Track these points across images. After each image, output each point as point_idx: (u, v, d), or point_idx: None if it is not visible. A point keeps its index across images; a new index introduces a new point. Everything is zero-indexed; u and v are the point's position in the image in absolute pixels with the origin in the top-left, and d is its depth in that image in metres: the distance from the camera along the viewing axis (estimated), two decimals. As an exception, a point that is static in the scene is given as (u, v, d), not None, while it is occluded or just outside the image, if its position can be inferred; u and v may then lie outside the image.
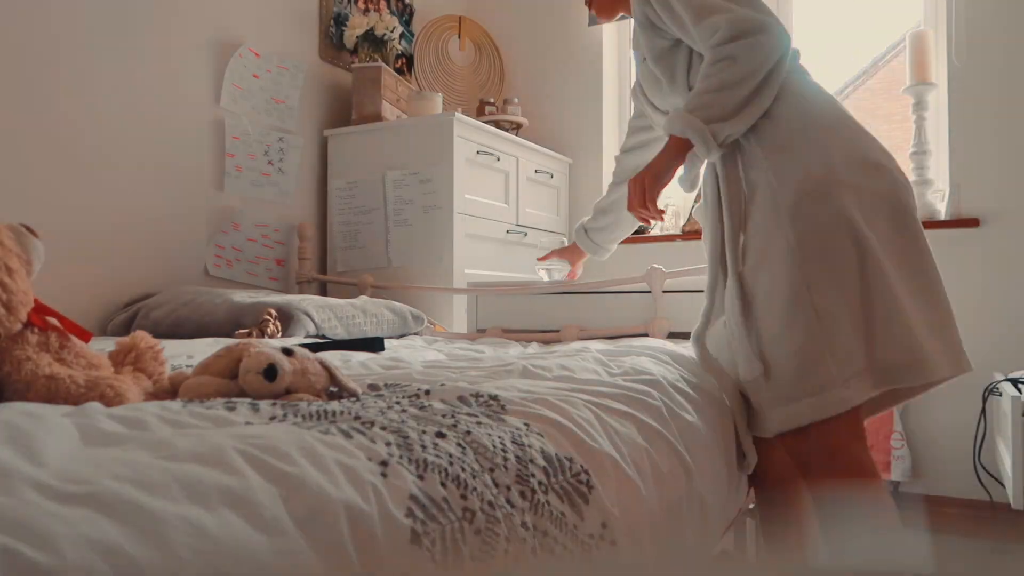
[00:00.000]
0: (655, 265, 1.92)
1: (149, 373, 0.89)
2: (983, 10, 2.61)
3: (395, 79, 2.85)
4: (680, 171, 1.47)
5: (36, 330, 0.76)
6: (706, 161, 1.43)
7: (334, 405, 0.76)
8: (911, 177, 2.55)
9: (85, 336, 0.81)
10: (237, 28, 2.53)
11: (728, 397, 1.31)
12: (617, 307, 1.98)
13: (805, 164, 1.29)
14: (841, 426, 1.23)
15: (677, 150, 1.41)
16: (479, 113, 3.07)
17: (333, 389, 0.88)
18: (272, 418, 0.69)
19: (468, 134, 2.65)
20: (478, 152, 2.68)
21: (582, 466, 0.77)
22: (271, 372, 0.79)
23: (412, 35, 3.25)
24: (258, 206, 2.62)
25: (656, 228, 3.34)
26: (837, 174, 1.27)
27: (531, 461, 0.72)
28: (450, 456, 0.65)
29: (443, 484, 0.61)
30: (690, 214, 3.11)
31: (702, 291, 1.91)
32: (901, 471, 2.53)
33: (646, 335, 1.87)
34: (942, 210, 2.65)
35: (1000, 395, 2.02)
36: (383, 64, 2.79)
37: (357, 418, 0.70)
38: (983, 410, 2.50)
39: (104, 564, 0.37)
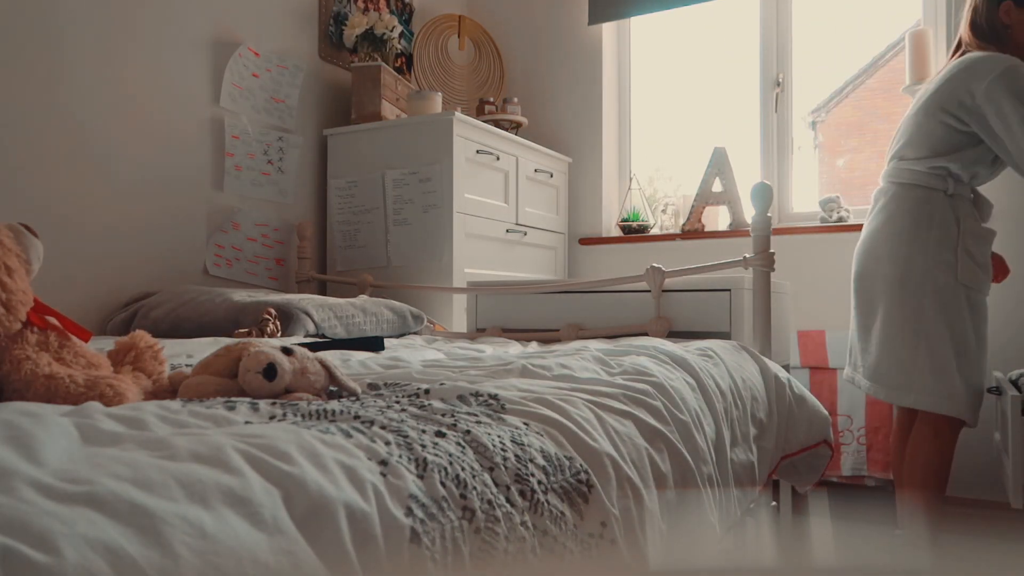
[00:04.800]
0: (654, 264, 1.92)
1: (148, 372, 0.89)
2: (983, 9, 2.60)
3: (395, 78, 2.85)
4: None
5: (36, 329, 0.76)
6: None
7: (334, 404, 0.76)
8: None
9: (84, 335, 0.81)
10: (237, 27, 2.53)
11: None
12: (617, 306, 1.98)
13: None
14: None
15: None
16: (479, 112, 3.06)
17: (333, 388, 0.88)
18: (272, 417, 0.69)
19: (468, 133, 2.65)
20: (478, 151, 2.68)
21: (581, 465, 0.77)
22: (271, 371, 0.79)
23: (412, 34, 3.24)
24: (258, 205, 2.62)
25: (656, 227, 3.34)
26: None
27: (531, 460, 0.72)
28: (450, 455, 0.65)
29: (443, 483, 0.61)
30: (689, 214, 3.12)
31: (701, 290, 1.91)
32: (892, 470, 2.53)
33: (645, 334, 1.87)
34: (942, 209, 2.65)
35: (1000, 395, 2.02)
36: (383, 63, 2.78)
37: (357, 417, 0.70)
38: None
39: (104, 564, 0.37)
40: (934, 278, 1.88)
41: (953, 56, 2.02)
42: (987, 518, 2.45)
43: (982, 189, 2.13)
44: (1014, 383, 2.04)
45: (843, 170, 3.54)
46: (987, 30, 1.92)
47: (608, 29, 3.39)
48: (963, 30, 1.99)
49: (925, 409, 1.90)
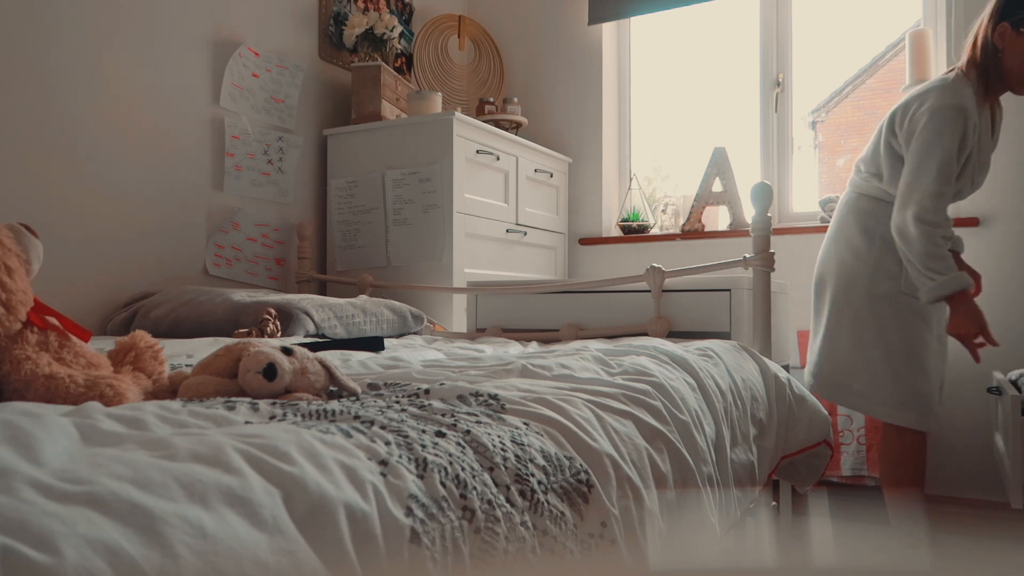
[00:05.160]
0: (655, 264, 1.92)
1: (148, 372, 0.89)
2: (982, 9, 2.60)
3: (395, 78, 2.85)
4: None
5: (36, 329, 0.76)
6: None
7: (334, 404, 0.75)
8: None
9: (84, 335, 0.81)
10: (237, 27, 2.53)
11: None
12: (617, 306, 1.98)
13: None
14: None
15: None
16: (479, 112, 3.07)
17: (333, 388, 0.88)
18: (272, 417, 0.69)
19: (468, 133, 2.65)
20: (478, 151, 2.68)
21: (581, 465, 0.77)
22: (270, 371, 0.79)
23: (412, 34, 3.25)
24: (258, 205, 2.62)
25: (656, 227, 3.34)
26: None
27: (531, 460, 0.72)
28: (450, 455, 0.65)
29: (443, 483, 0.61)
30: (689, 214, 3.12)
31: (701, 290, 1.91)
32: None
33: (645, 334, 1.87)
34: (942, 209, 2.65)
35: (1000, 394, 2.02)
36: (383, 63, 2.78)
37: (357, 417, 0.70)
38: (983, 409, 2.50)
39: (104, 564, 0.37)
40: (874, 286, 1.90)
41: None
42: (987, 518, 2.45)
43: (978, 191, 2.13)
44: (1014, 383, 2.04)
45: (843, 170, 3.54)
46: (981, 49, 1.85)
47: (608, 29, 3.39)
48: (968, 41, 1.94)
49: (861, 412, 1.96)
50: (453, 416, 0.75)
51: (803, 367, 2.72)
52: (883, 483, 1.99)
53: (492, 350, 1.59)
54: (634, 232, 3.27)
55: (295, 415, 0.69)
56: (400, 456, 0.61)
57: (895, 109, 1.92)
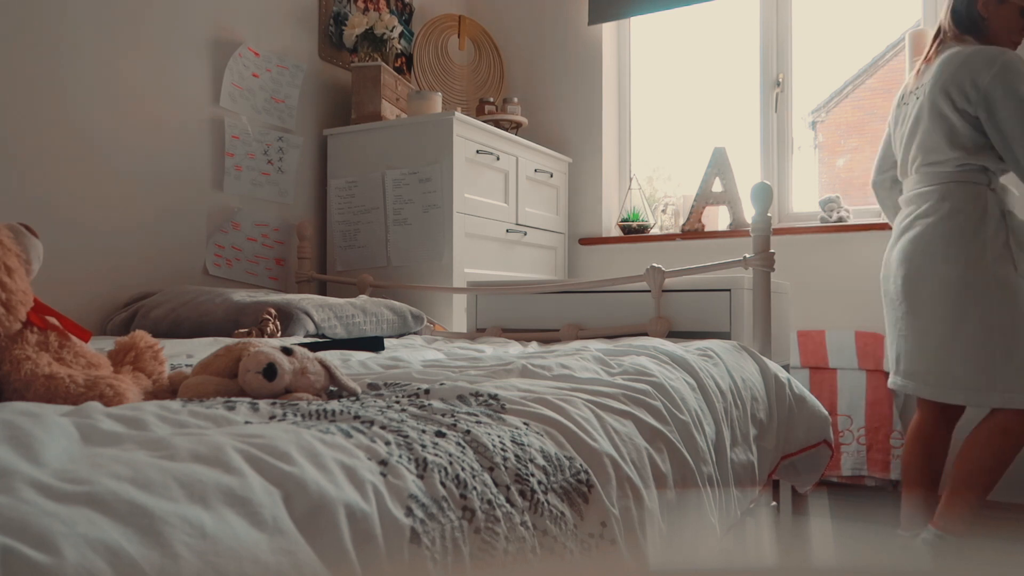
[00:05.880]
0: (654, 264, 1.92)
1: (148, 372, 0.89)
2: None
3: (395, 78, 2.85)
4: None
5: (36, 329, 0.76)
6: None
7: (334, 404, 0.76)
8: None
9: (84, 335, 0.81)
10: (237, 27, 2.53)
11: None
12: (617, 306, 1.98)
13: None
14: None
15: None
16: (479, 112, 3.06)
17: (333, 388, 0.88)
18: (272, 417, 0.69)
19: (468, 133, 2.65)
20: (478, 151, 2.68)
21: (581, 465, 0.77)
22: (270, 371, 0.79)
23: (412, 34, 3.24)
24: (258, 205, 2.62)
25: (656, 227, 3.34)
26: None
27: (531, 460, 0.72)
28: (450, 455, 0.65)
29: (443, 483, 0.61)
30: (689, 214, 3.12)
31: (701, 290, 1.91)
32: (901, 470, 2.53)
33: (645, 334, 1.87)
34: (942, 209, 2.64)
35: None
36: (383, 63, 2.78)
37: (357, 417, 0.70)
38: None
39: (104, 564, 0.37)
40: (995, 272, 1.86)
41: (933, 44, 2.02)
42: (987, 518, 2.45)
43: None
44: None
45: (843, 170, 3.53)
46: (965, 19, 1.95)
47: (608, 29, 3.39)
48: (944, 17, 2.01)
49: (1013, 407, 1.85)
50: (453, 416, 0.75)
51: (803, 367, 2.72)
52: (954, 482, 1.93)
53: (492, 350, 1.59)
54: (634, 232, 3.27)
55: (295, 415, 0.69)
56: (400, 456, 0.61)
57: (944, 84, 1.92)
